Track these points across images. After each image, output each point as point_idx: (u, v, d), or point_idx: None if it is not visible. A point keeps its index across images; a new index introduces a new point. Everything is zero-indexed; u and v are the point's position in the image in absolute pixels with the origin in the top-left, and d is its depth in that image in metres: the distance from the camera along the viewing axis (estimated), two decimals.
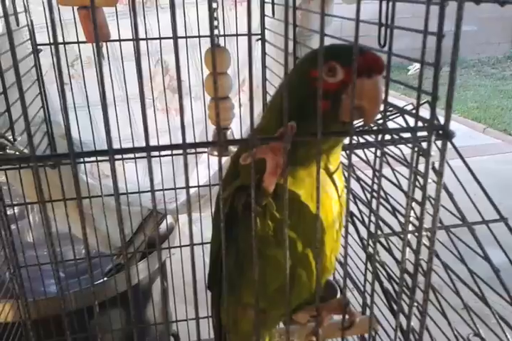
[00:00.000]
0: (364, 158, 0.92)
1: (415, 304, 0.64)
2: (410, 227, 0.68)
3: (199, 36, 1.28)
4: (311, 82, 0.61)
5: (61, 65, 0.47)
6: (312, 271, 0.70)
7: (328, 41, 0.94)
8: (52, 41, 1.14)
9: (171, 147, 0.48)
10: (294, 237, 0.67)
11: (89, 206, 1.34)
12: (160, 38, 1.27)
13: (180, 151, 0.46)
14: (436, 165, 0.56)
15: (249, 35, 0.50)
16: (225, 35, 1.25)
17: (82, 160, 1.27)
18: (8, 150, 0.88)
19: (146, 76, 1.38)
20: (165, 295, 1.65)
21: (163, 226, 1.68)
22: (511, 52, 8.06)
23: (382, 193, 0.85)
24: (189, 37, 1.29)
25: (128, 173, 1.36)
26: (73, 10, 1.12)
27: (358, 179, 0.88)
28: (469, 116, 5.49)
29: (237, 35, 1.32)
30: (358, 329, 0.79)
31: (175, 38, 0.46)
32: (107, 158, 0.47)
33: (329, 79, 0.61)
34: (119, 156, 1.23)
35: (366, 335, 0.90)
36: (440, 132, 0.54)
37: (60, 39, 1.25)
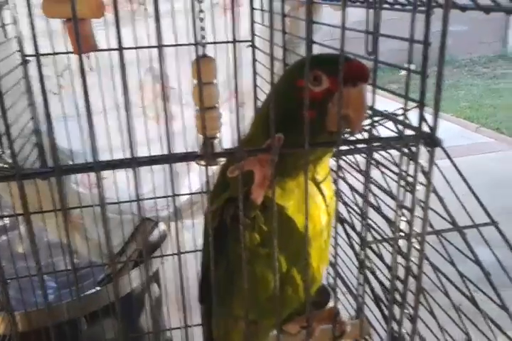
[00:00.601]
0: (354, 161, 0.93)
1: (406, 311, 0.64)
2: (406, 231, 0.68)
3: (178, 44, 1.29)
4: (297, 92, 0.60)
5: (43, 75, 0.46)
6: (298, 282, 0.70)
7: (316, 48, 0.94)
8: (36, 52, 1.13)
9: (157, 162, 0.48)
10: (281, 249, 0.67)
11: (80, 216, 1.33)
12: (148, 47, 1.27)
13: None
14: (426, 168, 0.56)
15: (234, 42, 0.50)
16: (215, 43, 1.25)
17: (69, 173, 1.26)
18: None
19: (136, 84, 1.38)
20: (151, 304, 1.64)
21: (155, 234, 1.67)
22: (502, 51, 8.09)
23: (373, 199, 0.84)
24: (172, 45, 1.29)
25: (119, 182, 1.36)
26: (62, 20, 1.12)
27: (350, 186, 0.88)
28: (462, 116, 5.51)
29: (227, 42, 1.32)
30: (350, 334, 0.78)
31: (160, 46, 0.46)
32: None
33: (315, 88, 0.61)
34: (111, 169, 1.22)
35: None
36: (428, 140, 0.54)
37: (49, 49, 1.25)
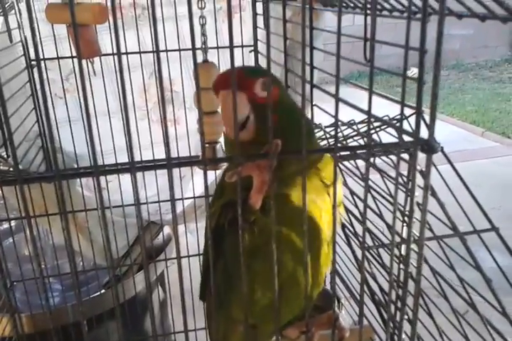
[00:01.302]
0: (355, 167, 0.93)
1: (405, 316, 0.64)
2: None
3: (179, 49, 1.30)
4: None
5: (43, 79, 0.47)
6: (301, 287, 0.70)
7: (317, 54, 0.95)
8: (43, 56, 1.15)
9: (156, 167, 0.48)
10: (282, 253, 0.68)
11: (85, 219, 1.34)
12: (153, 51, 1.28)
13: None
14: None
15: (231, 47, 0.51)
16: (217, 48, 1.26)
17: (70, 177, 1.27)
18: (1, 167, 0.88)
19: (140, 88, 1.39)
20: (151, 307, 1.65)
21: (160, 237, 1.68)
22: (509, 56, 8.07)
23: (373, 204, 0.85)
24: (172, 50, 1.30)
25: (124, 185, 1.37)
26: (66, 25, 1.14)
27: (351, 191, 0.88)
28: (468, 120, 5.50)
29: (230, 47, 1.33)
30: (352, 339, 0.79)
31: (157, 51, 0.46)
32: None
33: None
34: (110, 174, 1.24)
35: None
36: (425, 147, 0.55)
37: (54, 54, 1.26)
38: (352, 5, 0.81)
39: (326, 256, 0.74)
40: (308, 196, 0.65)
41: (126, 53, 1.29)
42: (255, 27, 1.28)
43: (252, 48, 1.33)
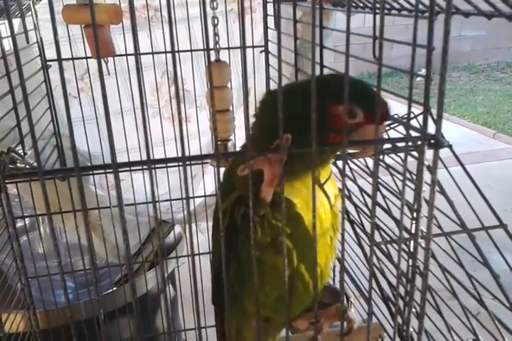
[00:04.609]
0: (364, 163, 0.94)
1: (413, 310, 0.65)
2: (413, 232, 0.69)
3: (191, 50, 1.32)
4: (329, 116, 0.65)
5: (65, 79, 0.49)
6: (308, 278, 0.72)
7: (326, 53, 0.96)
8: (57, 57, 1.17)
9: (170, 160, 0.50)
10: (290, 246, 0.69)
11: (98, 217, 1.36)
12: (162, 52, 1.32)
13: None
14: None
15: (242, 47, 0.52)
16: (228, 48, 1.28)
17: (88, 172, 1.30)
18: (18, 164, 0.90)
19: (152, 86, 1.42)
20: (167, 305, 1.67)
21: (171, 236, 1.70)
22: None
23: (382, 200, 0.86)
24: (185, 51, 1.33)
25: (136, 184, 1.39)
26: (81, 26, 1.16)
27: (359, 188, 0.89)
28: (479, 122, 5.48)
29: (241, 47, 1.34)
30: (361, 337, 0.80)
31: (173, 51, 0.48)
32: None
33: (349, 120, 0.65)
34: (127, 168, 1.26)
35: None
36: (432, 141, 0.56)
37: (68, 54, 1.29)
38: (361, 5, 0.83)
39: (330, 249, 0.76)
40: (307, 191, 0.67)
41: (140, 54, 1.32)
42: (266, 27, 1.30)
43: (263, 49, 1.35)
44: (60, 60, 0.47)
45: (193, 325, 1.57)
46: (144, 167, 0.51)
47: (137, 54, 0.48)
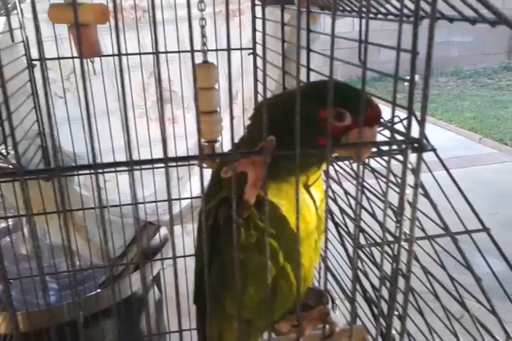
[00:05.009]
0: (349, 166, 0.95)
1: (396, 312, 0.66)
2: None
3: (178, 51, 1.32)
4: (317, 120, 0.65)
5: (46, 78, 0.49)
6: (292, 280, 0.72)
7: (314, 57, 0.96)
8: (41, 57, 1.16)
9: (153, 161, 0.50)
10: (275, 247, 0.69)
11: (83, 218, 1.35)
12: (153, 53, 1.30)
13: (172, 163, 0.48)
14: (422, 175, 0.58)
15: (229, 49, 0.52)
16: (216, 50, 1.28)
17: (72, 173, 1.28)
18: (0, 164, 0.89)
19: (139, 87, 1.41)
20: (147, 308, 1.66)
21: (157, 238, 1.69)
22: (507, 63, 8.12)
23: (367, 203, 0.86)
24: (171, 52, 1.32)
25: (121, 185, 1.38)
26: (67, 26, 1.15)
27: (345, 191, 0.90)
28: (466, 127, 5.52)
29: (228, 49, 1.34)
30: (344, 340, 0.80)
31: (157, 53, 0.48)
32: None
33: (337, 123, 0.65)
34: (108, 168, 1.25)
35: None
36: (416, 145, 0.57)
37: (55, 54, 1.28)
38: (349, 9, 0.83)
39: (314, 251, 0.77)
40: (294, 193, 0.67)
41: (127, 54, 1.31)
42: (254, 30, 1.30)
43: (251, 51, 1.35)
44: (42, 59, 0.47)
45: (177, 327, 1.56)
46: (126, 168, 0.50)
47: (120, 54, 0.47)
